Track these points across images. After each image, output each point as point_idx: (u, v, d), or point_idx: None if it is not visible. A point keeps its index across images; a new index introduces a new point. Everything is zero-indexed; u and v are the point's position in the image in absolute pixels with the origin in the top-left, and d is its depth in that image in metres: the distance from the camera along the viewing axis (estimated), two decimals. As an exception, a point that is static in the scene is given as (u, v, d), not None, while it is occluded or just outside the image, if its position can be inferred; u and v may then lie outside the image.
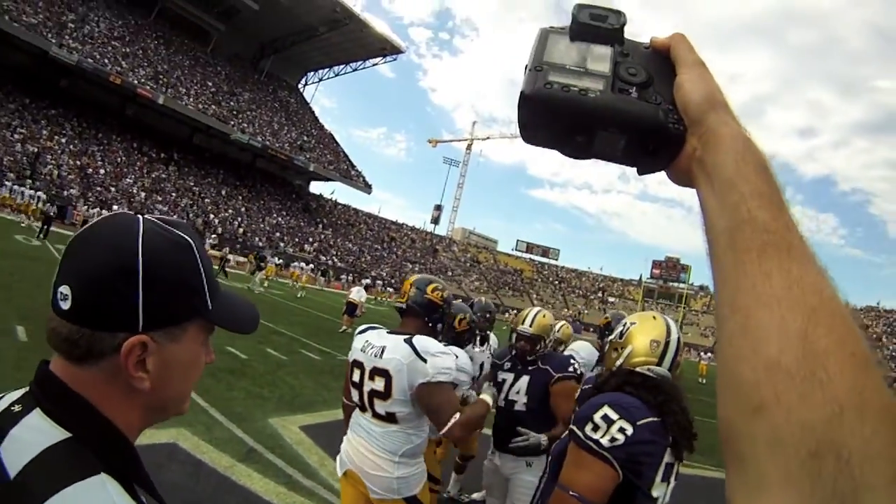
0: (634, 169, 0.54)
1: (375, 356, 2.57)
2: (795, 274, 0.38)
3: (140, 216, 0.76)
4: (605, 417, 1.73)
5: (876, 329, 58.59)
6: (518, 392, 3.46)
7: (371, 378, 2.57)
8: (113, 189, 36.16)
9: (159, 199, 38.80)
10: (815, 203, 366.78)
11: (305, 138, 56.85)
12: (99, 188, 35.14)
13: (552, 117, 0.49)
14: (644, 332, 2.07)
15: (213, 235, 37.46)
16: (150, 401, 0.77)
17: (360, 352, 2.67)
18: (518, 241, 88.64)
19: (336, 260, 50.58)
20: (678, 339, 2.07)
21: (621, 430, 1.70)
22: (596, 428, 1.72)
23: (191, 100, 45.37)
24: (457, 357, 3.02)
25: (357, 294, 17.03)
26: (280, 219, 50.36)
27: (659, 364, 2.00)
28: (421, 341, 2.53)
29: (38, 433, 0.68)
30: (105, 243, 0.73)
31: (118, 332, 0.71)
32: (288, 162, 52.89)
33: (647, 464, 1.74)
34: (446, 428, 2.41)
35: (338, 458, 2.78)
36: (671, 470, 1.83)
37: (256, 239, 42.85)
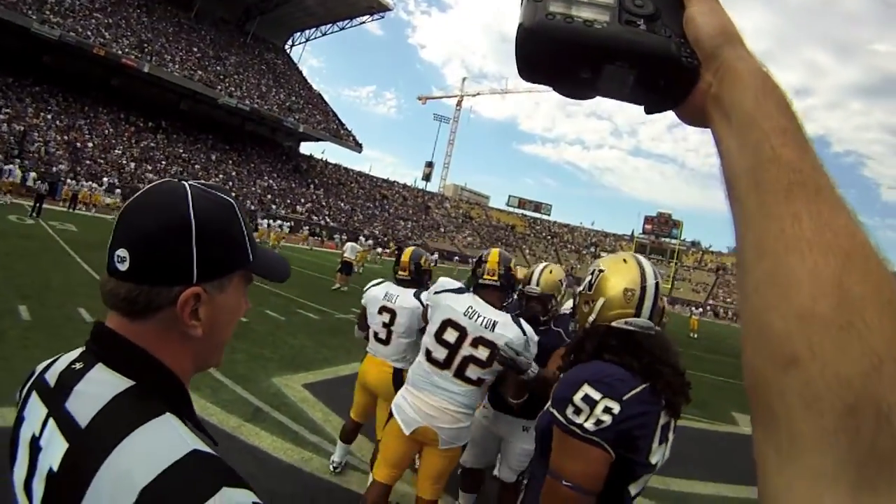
0: (641, 108, 0.51)
1: (486, 327, 2.69)
2: (826, 216, 0.35)
3: (185, 182, 0.85)
4: (587, 398, 1.54)
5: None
6: None
7: (474, 345, 2.70)
8: (102, 161, 35.72)
9: (149, 168, 38.38)
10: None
11: (294, 99, 55.97)
12: (88, 161, 34.69)
13: (555, 50, 0.45)
14: (616, 279, 1.83)
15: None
16: (199, 348, 0.85)
17: (462, 315, 2.75)
18: (510, 196, 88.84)
19: (329, 220, 50.45)
20: (656, 283, 1.83)
21: (607, 409, 1.52)
22: (578, 411, 1.55)
23: (176, 66, 44.39)
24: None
25: (351, 252, 16.94)
26: (271, 181, 49.95)
27: (637, 315, 1.78)
28: (526, 325, 2.74)
29: (103, 385, 0.75)
30: (158, 207, 0.80)
31: (175, 285, 0.78)
32: (277, 124, 52.28)
33: (641, 436, 1.57)
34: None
35: (398, 416, 2.87)
36: (668, 429, 1.68)
37: (248, 202, 42.52)
